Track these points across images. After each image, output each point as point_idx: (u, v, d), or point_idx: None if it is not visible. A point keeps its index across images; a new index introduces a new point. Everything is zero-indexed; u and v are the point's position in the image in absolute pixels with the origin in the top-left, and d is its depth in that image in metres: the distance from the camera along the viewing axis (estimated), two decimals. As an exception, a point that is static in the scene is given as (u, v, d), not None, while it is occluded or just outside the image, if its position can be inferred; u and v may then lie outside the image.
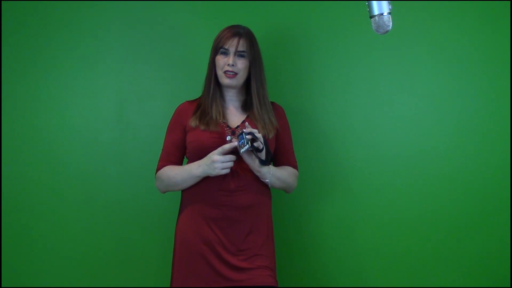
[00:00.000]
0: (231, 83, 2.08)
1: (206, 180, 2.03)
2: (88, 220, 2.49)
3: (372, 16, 1.77)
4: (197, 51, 2.46)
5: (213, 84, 2.12)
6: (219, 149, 1.95)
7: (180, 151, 2.12)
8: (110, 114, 2.50)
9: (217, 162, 1.94)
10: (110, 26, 2.50)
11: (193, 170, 2.02)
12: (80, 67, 2.49)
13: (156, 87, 2.51)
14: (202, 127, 2.05)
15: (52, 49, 2.49)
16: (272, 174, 2.04)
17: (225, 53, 2.08)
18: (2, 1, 2.48)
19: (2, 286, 2.47)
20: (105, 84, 2.50)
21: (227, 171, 1.97)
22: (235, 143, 1.94)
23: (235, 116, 2.12)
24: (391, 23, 1.77)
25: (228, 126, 2.08)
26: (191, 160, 2.10)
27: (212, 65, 2.12)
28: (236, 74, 2.07)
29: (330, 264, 2.46)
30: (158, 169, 2.14)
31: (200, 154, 2.04)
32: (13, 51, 2.48)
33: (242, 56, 2.08)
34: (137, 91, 2.50)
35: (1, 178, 2.48)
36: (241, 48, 2.07)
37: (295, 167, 2.20)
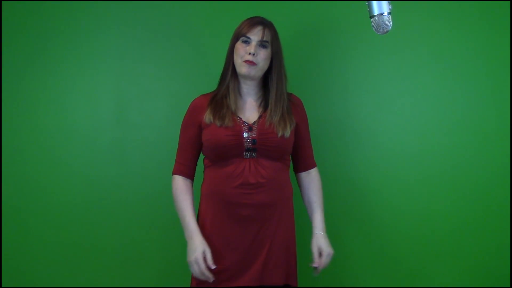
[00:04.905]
0: (249, 72, 1.99)
1: (224, 180, 1.98)
2: (88, 220, 2.49)
3: (372, 16, 1.78)
4: (198, 51, 2.46)
5: (230, 74, 2.03)
6: (202, 265, 1.92)
7: (195, 148, 2.06)
8: (110, 114, 2.50)
9: (193, 261, 1.93)
10: (110, 26, 2.50)
11: (187, 231, 1.99)
12: (80, 67, 2.49)
13: (156, 87, 2.50)
14: (218, 123, 1.98)
15: (52, 49, 2.49)
16: (323, 231, 2.07)
17: (247, 42, 1.99)
18: (2, 1, 2.48)
19: (2, 286, 2.47)
20: (105, 84, 2.50)
21: (194, 272, 1.95)
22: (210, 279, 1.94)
23: (251, 111, 2.04)
24: (391, 23, 1.77)
25: (245, 122, 2.00)
26: (208, 156, 2.05)
27: (231, 53, 2.03)
28: (255, 64, 1.98)
29: (330, 263, 2.46)
30: (175, 170, 2.07)
31: (216, 151, 1.99)
32: (13, 51, 2.48)
33: (264, 46, 1.99)
34: (137, 91, 2.50)
35: (1, 178, 2.48)
36: (266, 38, 1.99)
37: (313, 164, 2.14)
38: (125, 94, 2.50)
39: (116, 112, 2.50)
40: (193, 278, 2.02)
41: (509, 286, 2.35)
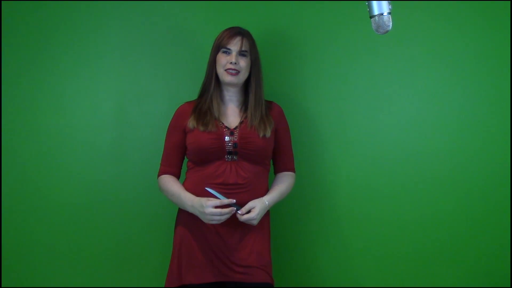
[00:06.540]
0: (232, 81, 2.09)
1: (204, 179, 2.05)
2: (88, 220, 2.49)
3: (372, 16, 1.77)
4: (197, 51, 2.46)
5: (214, 83, 2.13)
6: (216, 206, 1.95)
7: (180, 152, 2.15)
8: (110, 114, 2.50)
9: (208, 214, 1.95)
10: (110, 26, 2.50)
11: (187, 205, 2.03)
12: (80, 67, 2.49)
13: (156, 87, 2.51)
14: (201, 128, 2.07)
15: (52, 49, 2.49)
16: (268, 204, 2.07)
17: (227, 52, 2.09)
18: (2, 1, 2.48)
19: (2, 286, 2.47)
20: (105, 84, 2.50)
21: (217, 222, 1.98)
22: (233, 210, 1.97)
23: (233, 117, 2.14)
24: (391, 23, 1.77)
25: (226, 127, 2.09)
26: (191, 160, 2.12)
27: (213, 64, 2.13)
28: (238, 72, 2.08)
29: (330, 264, 2.46)
30: (160, 172, 2.17)
31: (199, 155, 2.07)
32: (13, 51, 2.49)
33: (244, 55, 2.10)
34: (137, 91, 2.50)
35: (1, 178, 2.48)
36: (244, 47, 2.09)
37: (291, 169, 2.21)
38: (125, 94, 2.50)
39: (116, 112, 2.50)
40: (168, 278, 2.10)
41: (509, 286, 2.35)
